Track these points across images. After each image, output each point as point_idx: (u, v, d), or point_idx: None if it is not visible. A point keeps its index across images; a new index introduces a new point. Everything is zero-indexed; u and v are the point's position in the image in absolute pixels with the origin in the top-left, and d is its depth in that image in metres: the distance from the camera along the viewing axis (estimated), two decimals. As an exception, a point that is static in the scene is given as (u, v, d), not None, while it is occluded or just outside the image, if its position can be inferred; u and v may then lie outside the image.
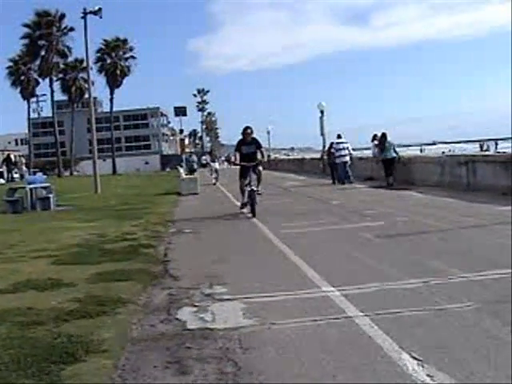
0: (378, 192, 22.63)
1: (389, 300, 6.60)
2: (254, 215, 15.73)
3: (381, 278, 7.67)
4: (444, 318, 5.83)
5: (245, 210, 16.84)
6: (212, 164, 40.65)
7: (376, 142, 30.47)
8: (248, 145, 16.67)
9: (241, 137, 16.87)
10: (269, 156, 38.11)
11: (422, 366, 4.59)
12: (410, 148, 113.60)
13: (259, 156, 17.16)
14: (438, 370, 4.51)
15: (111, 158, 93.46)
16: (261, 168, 17.06)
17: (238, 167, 17.17)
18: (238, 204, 20.64)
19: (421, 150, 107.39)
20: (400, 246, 10.27)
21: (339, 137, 30.37)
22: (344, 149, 29.14)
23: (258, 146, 17.02)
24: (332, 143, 31.15)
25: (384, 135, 26.42)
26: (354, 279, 7.58)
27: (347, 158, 29.00)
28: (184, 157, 47.60)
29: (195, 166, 41.24)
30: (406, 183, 24.38)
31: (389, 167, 25.62)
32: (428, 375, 4.43)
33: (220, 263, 9.56)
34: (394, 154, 25.89)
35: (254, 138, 16.95)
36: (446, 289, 6.96)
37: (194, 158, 44.64)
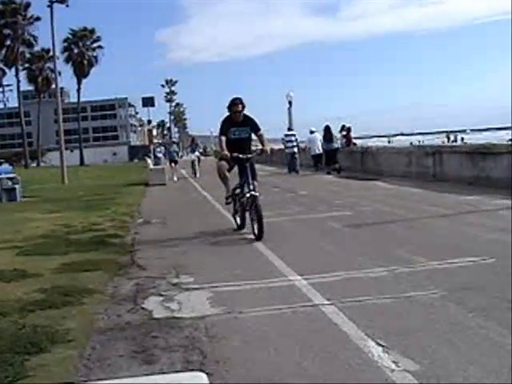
0: (346, 182, 22.74)
1: (355, 288, 6.64)
2: (260, 236, 10.12)
3: (347, 266, 7.71)
4: (409, 306, 5.89)
5: (242, 228, 11.45)
6: (191, 154, 36.95)
7: (344, 133, 30.89)
8: (239, 126, 11.21)
9: (227, 113, 11.30)
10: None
11: (388, 353, 4.62)
12: (378, 139, 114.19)
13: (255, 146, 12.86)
14: (403, 356, 4.54)
15: (78, 148, 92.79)
16: (254, 163, 11.51)
17: (220, 160, 11.51)
18: (205, 194, 20.66)
19: (389, 141, 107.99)
20: (366, 235, 10.34)
21: (289, 129, 34.26)
22: (292, 141, 31.01)
23: (255, 128, 11.42)
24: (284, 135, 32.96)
25: (328, 128, 29.62)
26: (321, 268, 7.61)
27: (295, 149, 30.86)
28: (152, 147, 46.57)
29: (176, 157, 35.60)
30: (373, 174, 24.54)
31: (332, 157, 28.79)
32: (393, 361, 4.46)
33: (187, 253, 9.54)
34: (336, 145, 29.21)
35: (247, 117, 11.37)
36: (411, 277, 7.02)
37: (175, 147, 38.19)
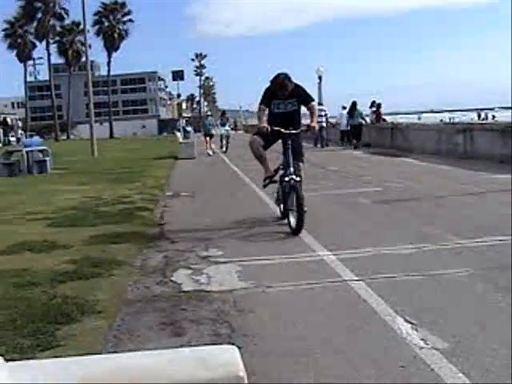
0: (376, 158, 22.60)
1: (383, 265, 6.61)
2: (298, 230, 8.50)
3: (376, 242, 7.67)
4: (437, 284, 5.85)
5: (278, 213, 9.88)
6: (221, 128, 33.97)
7: (374, 109, 30.72)
8: (284, 99, 9.32)
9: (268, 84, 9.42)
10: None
11: (416, 330, 4.61)
12: (407, 116, 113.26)
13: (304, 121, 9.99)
14: (431, 333, 4.52)
15: (108, 121, 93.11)
16: (301, 141, 9.66)
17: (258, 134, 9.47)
18: (235, 169, 20.69)
19: (419, 118, 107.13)
20: (396, 211, 10.28)
21: (319, 104, 33.83)
22: (321, 116, 30.43)
23: (305, 99, 9.51)
24: None
25: (354, 104, 30.14)
26: (350, 244, 7.59)
27: (323, 124, 30.54)
28: (182, 121, 46.45)
29: (212, 130, 32.90)
30: (403, 150, 24.34)
31: (357, 132, 29.27)
32: (422, 339, 4.44)
33: (216, 226, 9.56)
34: (361, 121, 29.72)
35: (296, 88, 9.34)
36: (439, 254, 6.98)
37: (211, 120, 35.03)
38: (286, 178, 8.92)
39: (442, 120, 57.21)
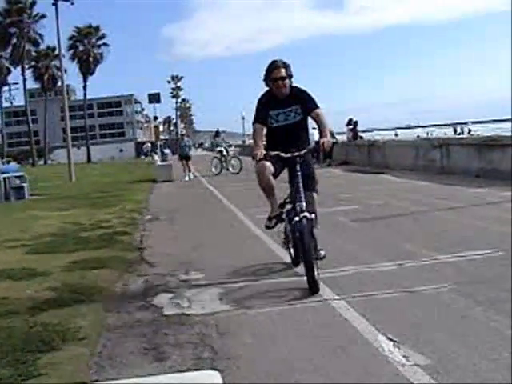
0: (354, 176, 22.72)
1: (364, 283, 6.64)
2: (315, 288, 6.34)
3: (355, 261, 7.72)
4: (418, 300, 5.89)
5: (298, 264, 7.34)
6: (218, 149, 31.40)
7: (350, 127, 30.94)
8: (285, 106, 7.12)
9: (265, 89, 7.24)
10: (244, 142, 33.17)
11: (398, 348, 4.63)
12: (383, 133, 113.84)
13: (314, 135, 8.71)
14: (414, 350, 4.54)
15: (85, 146, 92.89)
16: (311, 163, 7.40)
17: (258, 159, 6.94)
18: (212, 189, 20.72)
19: (396, 134, 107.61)
20: (374, 229, 10.33)
21: None
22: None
23: (310, 105, 7.10)
24: None
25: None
26: (330, 263, 7.59)
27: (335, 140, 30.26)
28: (159, 144, 46.40)
29: (189, 152, 30.01)
30: (381, 167, 24.49)
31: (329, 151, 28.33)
32: (404, 356, 4.46)
33: (196, 250, 9.55)
34: (334, 140, 28.96)
35: (297, 90, 7.16)
36: (420, 271, 7.02)
37: (187, 140, 31.48)
38: (297, 218, 6.60)
39: (418, 136, 57.52)
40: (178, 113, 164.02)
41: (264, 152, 6.78)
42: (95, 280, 7.64)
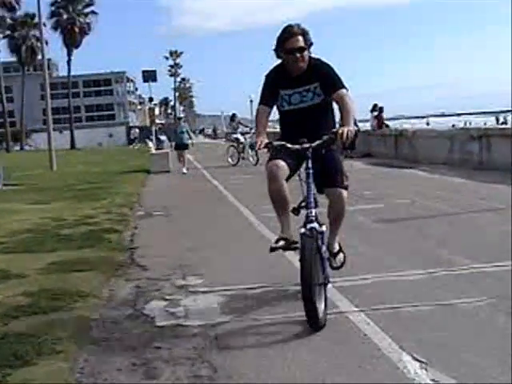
0: (378, 170, 22.70)
1: (388, 293, 6.63)
2: (317, 326, 5.60)
3: (379, 268, 7.71)
4: (450, 315, 5.87)
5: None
6: (234, 136, 31.38)
7: (375, 113, 30.81)
8: (300, 85, 6.45)
9: (275, 62, 6.59)
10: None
11: (426, 369, 4.62)
12: (413, 121, 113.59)
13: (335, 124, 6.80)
14: (444, 373, 4.53)
15: (69, 130, 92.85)
16: (338, 155, 6.63)
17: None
18: (215, 183, 20.71)
19: (427, 123, 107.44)
20: (401, 232, 10.32)
21: None
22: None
23: (333, 83, 6.37)
24: None
25: None
26: (349, 270, 7.58)
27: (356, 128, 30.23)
28: (154, 129, 46.17)
29: (187, 140, 29.24)
30: (409, 161, 24.45)
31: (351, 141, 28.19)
32: (432, 380, 4.45)
33: (195, 250, 9.57)
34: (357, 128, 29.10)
35: (316, 63, 6.45)
36: (453, 281, 7.00)
37: (184, 126, 30.45)
38: (302, 230, 5.99)
39: (454, 125, 57.38)
40: (177, 94, 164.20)
41: (266, 141, 6.15)
42: (78, 284, 7.63)
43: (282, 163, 6.22)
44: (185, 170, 27.69)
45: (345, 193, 6.46)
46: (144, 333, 5.90)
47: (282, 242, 6.27)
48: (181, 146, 29.03)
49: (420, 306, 6.13)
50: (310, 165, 6.14)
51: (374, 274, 7.40)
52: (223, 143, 53.50)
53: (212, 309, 6.51)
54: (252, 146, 29.08)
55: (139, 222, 13.22)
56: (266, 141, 6.13)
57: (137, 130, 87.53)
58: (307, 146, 6.15)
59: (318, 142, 6.18)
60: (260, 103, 6.59)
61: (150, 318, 6.37)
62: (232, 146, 31.48)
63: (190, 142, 29.85)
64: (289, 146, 6.19)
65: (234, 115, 34.57)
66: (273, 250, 6.34)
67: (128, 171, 29.44)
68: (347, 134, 5.94)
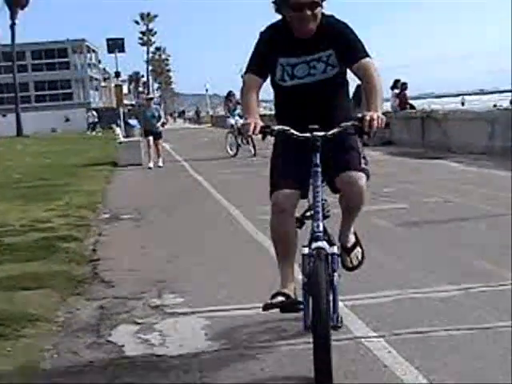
0: (401, 161, 22.72)
1: (412, 314, 6.65)
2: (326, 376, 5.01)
3: (401, 282, 7.73)
4: (492, 341, 5.88)
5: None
6: (231, 119, 31.45)
7: (397, 91, 30.78)
8: (308, 51, 5.67)
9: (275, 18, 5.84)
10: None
11: (460, 408, 4.64)
12: (445, 100, 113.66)
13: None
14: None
15: (14, 112, 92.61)
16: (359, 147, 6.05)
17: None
18: (197, 178, 20.68)
19: (462, 103, 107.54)
20: (429, 238, 10.33)
21: None
22: None
23: (353, 51, 5.60)
24: None
25: (357, 88, 27.60)
26: (365, 285, 7.61)
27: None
28: (122, 111, 45.99)
29: (159, 127, 28.80)
30: (438, 149, 24.47)
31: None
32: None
33: (173, 262, 9.57)
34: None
35: (330, 24, 5.64)
36: (495, 299, 7.01)
37: (155, 109, 30.01)
38: (306, 250, 5.50)
39: (495, 105, 57.20)
40: (150, 67, 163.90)
41: (261, 124, 5.36)
42: (26, 306, 7.63)
43: (288, 191, 5.68)
44: (151, 164, 27.39)
45: (363, 178, 5.89)
46: (110, 365, 5.89)
47: (280, 298, 5.66)
48: (151, 133, 28.48)
49: (453, 331, 6.14)
50: (317, 160, 5.45)
51: (397, 291, 7.42)
52: (208, 129, 53.43)
53: (195, 334, 6.52)
54: (240, 132, 26.23)
55: (104, 227, 13.22)
56: (262, 123, 5.37)
57: (94, 113, 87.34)
58: (321, 134, 5.43)
59: (335, 130, 5.46)
60: (248, 71, 5.88)
61: (117, 346, 6.36)
62: (230, 132, 31.44)
63: (159, 125, 29.07)
64: (295, 133, 5.46)
65: (230, 93, 33.62)
66: (267, 308, 5.68)
67: (89, 164, 29.42)
68: (378, 123, 5.18)
